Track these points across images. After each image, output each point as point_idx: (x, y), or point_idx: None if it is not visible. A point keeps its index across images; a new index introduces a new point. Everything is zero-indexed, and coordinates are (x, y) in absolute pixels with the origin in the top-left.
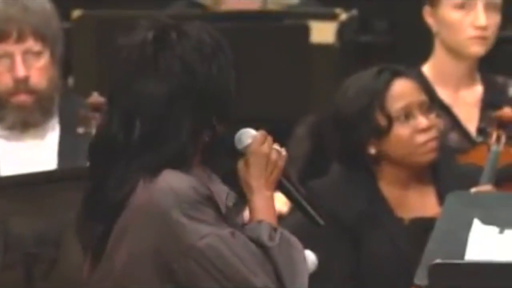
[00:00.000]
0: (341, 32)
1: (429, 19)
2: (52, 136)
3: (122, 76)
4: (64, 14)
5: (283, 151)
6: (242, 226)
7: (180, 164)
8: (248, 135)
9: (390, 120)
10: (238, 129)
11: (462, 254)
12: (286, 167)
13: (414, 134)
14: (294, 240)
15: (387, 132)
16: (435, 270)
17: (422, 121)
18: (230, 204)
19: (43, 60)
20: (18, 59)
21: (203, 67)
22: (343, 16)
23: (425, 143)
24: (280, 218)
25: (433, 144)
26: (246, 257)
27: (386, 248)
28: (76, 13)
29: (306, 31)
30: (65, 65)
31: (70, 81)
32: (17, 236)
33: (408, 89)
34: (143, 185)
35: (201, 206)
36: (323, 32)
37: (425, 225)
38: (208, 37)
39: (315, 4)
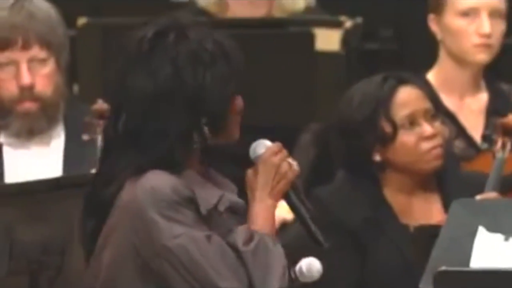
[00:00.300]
0: (346, 39)
1: (434, 27)
2: (57, 143)
3: (117, 70)
4: (69, 22)
5: (296, 166)
6: (230, 231)
7: (168, 165)
8: (263, 146)
9: (395, 127)
10: (244, 136)
11: (467, 261)
12: (296, 182)
13: (419, 141)
14: (274, 247)
15: (392, 140)
16: (440, 278)
17: (427, 128)
18: (222, 208)
19: (48, 68)
20: (24, 67)
21: (194, 74)
22: (348, 23)
23: (430, 150)
24: (285, 225)
25: (438, 152)
26: (216, 260)
27: (391, 255)
28: (81, 20)
29: (311, 38)
30: (70, 72)
31: (75, 88)
32: (22, 244)
33: (413, 96)
34: (129, 183)
35: (179, 206)
36: (328, 40)
37: (430, 233)
38: (211, 43)
39: (320, 12)
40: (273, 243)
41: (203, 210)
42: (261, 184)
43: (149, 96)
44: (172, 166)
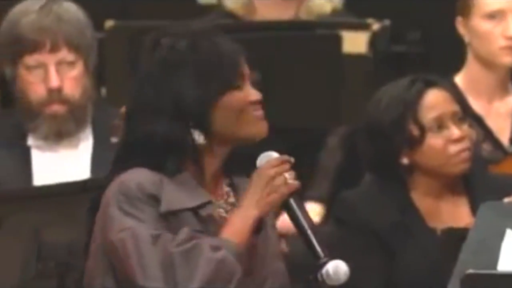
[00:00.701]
0: (374, 42)
1: (461, 30)
2: (85, 146)
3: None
4: (97, 24)
5: (293, 182)
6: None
7: (154, 165)
8: (267, 157)
9: (423, 130)
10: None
11: (494, 264)
12: (297, 197)
13: (447, 144)
14: (212, 254)
15: (420, 143)
16: (468, 281)
17: (455, 131)
18: (204, 214)
19: (77, 70)
20: (52, 70)
21: (167, 81)
22: (376, 26)
23: (458, 153)
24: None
25: (465, 155)
26: (149, 259)
27: (419, 259)
28: (109, 23)
29: (338, 41)
30: (98, 75)
31: (103, 91)
32: (50, 246)
33: (441, 99)
34: (114, 180)
35: (138, 202)
36: (355, 42)
37: (457, 236)
38: (185, 45)
39: (347, 14)
40: (212, 251)
41: (162, 209)
42: (250, 193)
43: (138, 103)
44: (164, 170)
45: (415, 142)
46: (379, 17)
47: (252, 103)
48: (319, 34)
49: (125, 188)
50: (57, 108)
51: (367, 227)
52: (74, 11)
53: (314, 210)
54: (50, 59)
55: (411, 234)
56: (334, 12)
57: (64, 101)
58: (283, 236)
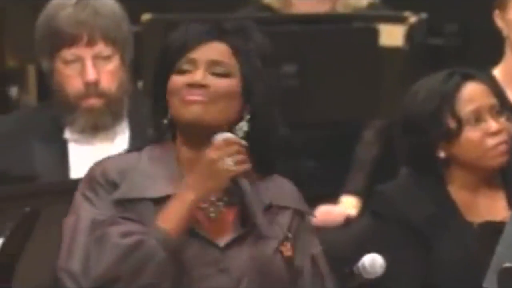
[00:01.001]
0: (410, 35)
1: (499, 23)
2: (122, 139)
3: None
4: (134, 18)
5: (239, 165)
6: None
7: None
8: (217, 139)
9: (460, 123)
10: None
11: None
12: (250, 175)
13: (484, 137)
14: (120, 240)
15: (457, 136)
16: (505, 274)
17: (492, 124)
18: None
19: (113, 64)
20: (89, 63)
21: (156, 66)
22: (412, 19)
23: (495, 146)
24: (349, 221)
25: (503, 148)
26: (78, 242)
27: (456, 252)
28: (145, 16)
29: (375, 34)
30: (135, 68)
31: (140, 84)
32: None
33: (478, 92)
34: None
35: (98, 188)
36: (392, 35)
37: (494, 229)
38: (174, 33)
39: (384, 7)
40: (121, 237)
41: (115, 196)
42: (190, 177)
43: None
44: (146, 146)
45: (452, 135)
46: (416, 10)
47: (189, 85)
48: (355, 27)
49: (91, 174)
50: (93, 101)
51: (403, 220)
52: (110, 5)
53: (350, 203)
54: (87, 53)
55: (448, 227)
56: (371, 5)
57: (100, 94)
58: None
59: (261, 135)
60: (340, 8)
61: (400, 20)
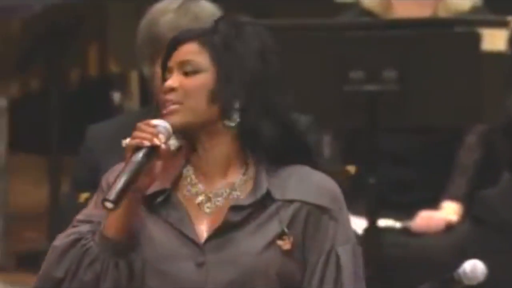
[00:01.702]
0: None
1: None
2: None
3: None
4: None
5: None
6: None
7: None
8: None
9: None
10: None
11: None
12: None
13: None
14: (58, 240)
15: None
16: None
17: None
18: (159, 200)
19: None
20: None
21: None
22: None
23: None
24: (450, 227)
25: None
26: (56, 242)
27: None
28: None
29: (477, 38)
30: None
31: None
32: None
33: None
34: None
35: (100, 189)
36: (494, 40)
37: None
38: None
39: (486, 12)
40: (65, 237)
41: (104, 196)
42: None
43: None
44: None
45: None
46: None
47: (164, 92)
48: (457, 32)
49: (103, 178)
50: None
51: (506, 226)
52: (211, 10)
53: (452, 209)
54: None
55: None
56: (473, 9)
57: None
58: (421, 234)
59: (252, 125)
60: (442, 12)
61: (502, 24)
